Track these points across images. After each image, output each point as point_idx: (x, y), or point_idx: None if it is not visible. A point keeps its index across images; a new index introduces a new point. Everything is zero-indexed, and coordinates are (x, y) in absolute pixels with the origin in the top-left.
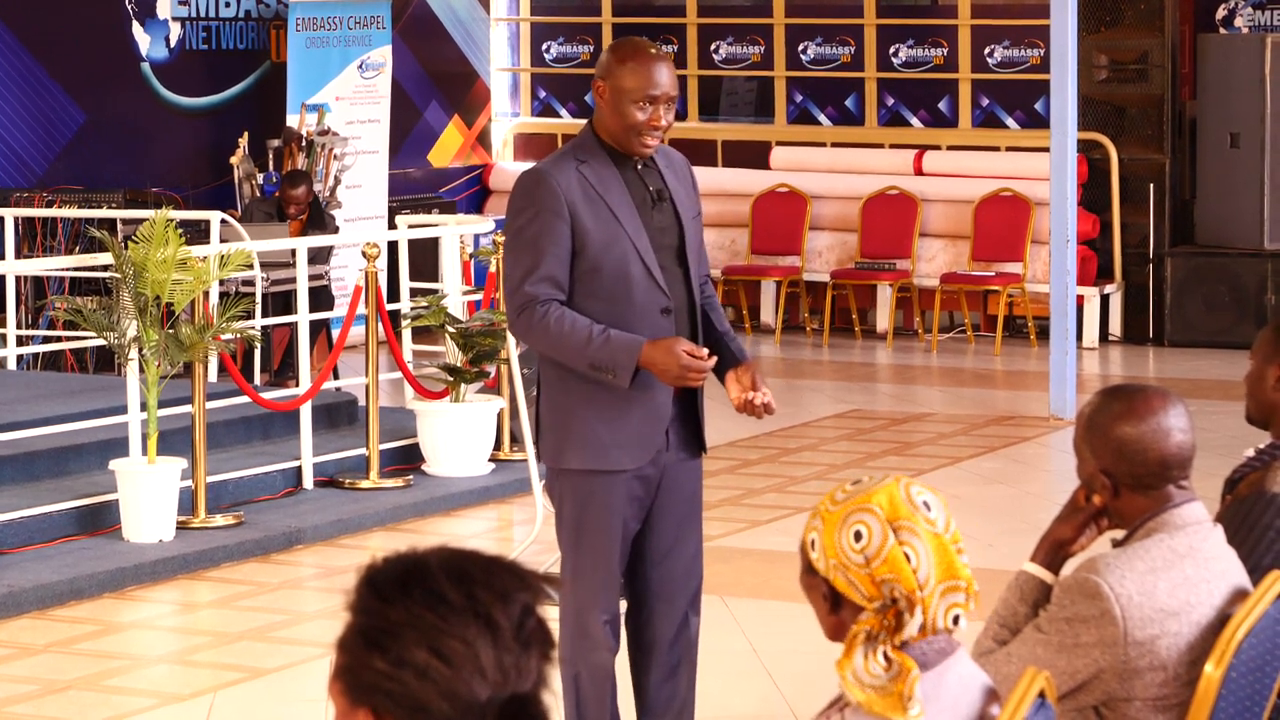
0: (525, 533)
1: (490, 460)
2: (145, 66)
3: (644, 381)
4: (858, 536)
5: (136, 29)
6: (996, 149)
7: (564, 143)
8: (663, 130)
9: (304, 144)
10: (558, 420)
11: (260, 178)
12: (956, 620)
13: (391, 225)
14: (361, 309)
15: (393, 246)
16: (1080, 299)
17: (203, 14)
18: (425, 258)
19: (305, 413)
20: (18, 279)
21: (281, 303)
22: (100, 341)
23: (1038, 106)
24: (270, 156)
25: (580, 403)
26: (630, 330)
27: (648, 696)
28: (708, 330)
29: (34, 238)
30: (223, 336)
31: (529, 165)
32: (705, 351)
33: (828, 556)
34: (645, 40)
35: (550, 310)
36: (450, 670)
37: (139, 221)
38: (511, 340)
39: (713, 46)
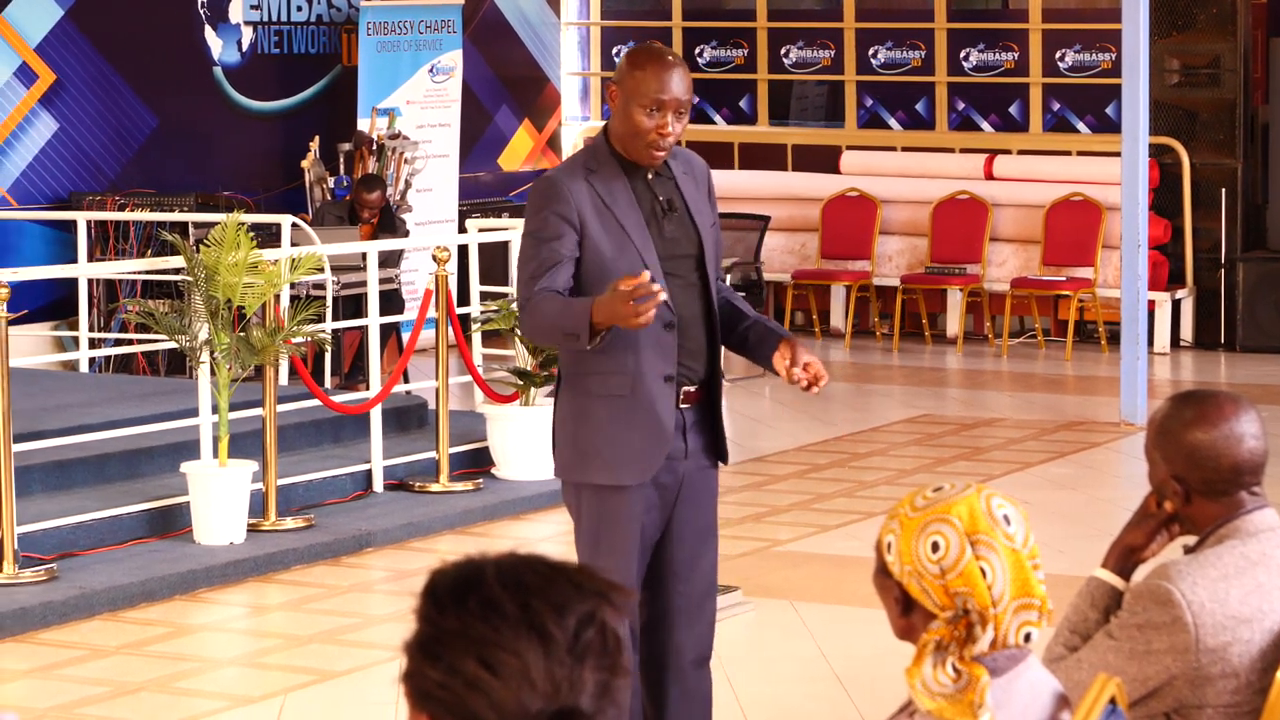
0: None
1: None
2: (217, 71)
3: (646, 398)
4: (935, 547)
5: (208, 33)
6: (1067, 153)
7: None
8: (671, 139)
9: (375, 148)
10: (567, 434)
11: (331, 181)
12: (1028, 638)
13: (462, 229)
14: (431, 312)
15: (463, 250)
16: (1151, 304)
17: (274, 18)
18: (495, 261)
19: (375, 416)
20: (90, 282)
21: (352, 306)
22: (172, 344)
23: (1109, 111)
24: (341, 160)
25: (585, 418)
26: (633, 343)
27: (667, 715)
28: (738, 320)
29: (106, 241)
30: (293, 340)
31: None
32: (646, 275)
33: (903, 562)
34: (662, 47)
35: (537, 299)
36: (499, 681)
37: (210, 225)
38: None
39: (783, 50)
